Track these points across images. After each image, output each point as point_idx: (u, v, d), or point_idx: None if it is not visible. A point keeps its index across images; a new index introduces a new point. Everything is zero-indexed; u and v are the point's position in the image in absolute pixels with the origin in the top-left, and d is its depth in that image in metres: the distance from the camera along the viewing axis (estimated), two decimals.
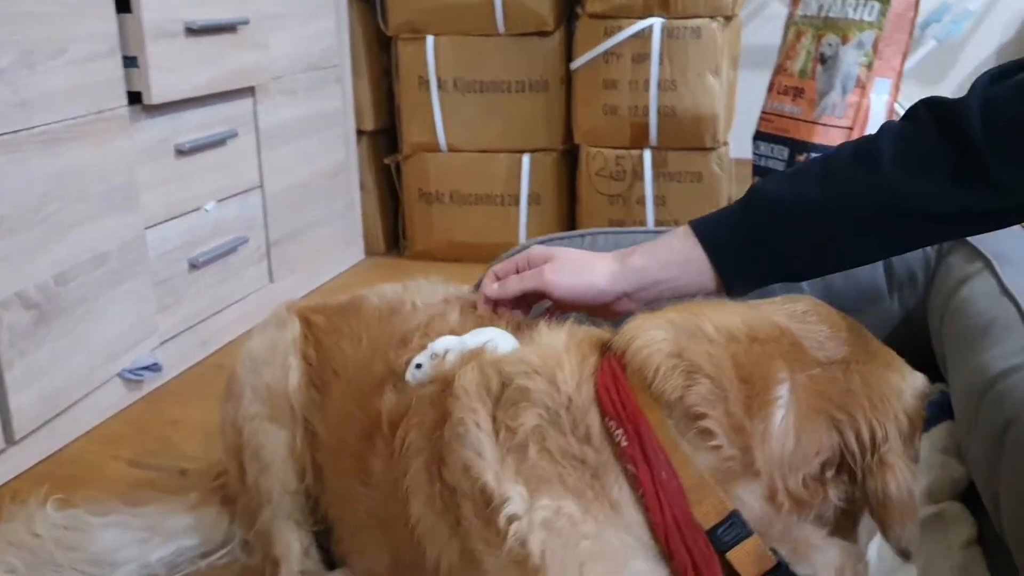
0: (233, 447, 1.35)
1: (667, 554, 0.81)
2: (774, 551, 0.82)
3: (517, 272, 1.24)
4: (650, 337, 0.88)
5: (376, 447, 1.09)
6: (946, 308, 1.50)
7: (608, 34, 2.73)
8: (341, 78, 2.88)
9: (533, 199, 2.97)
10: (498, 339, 1.06)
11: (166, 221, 2.11)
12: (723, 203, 2.80)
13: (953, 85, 3.97)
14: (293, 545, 1.29)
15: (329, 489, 1.26)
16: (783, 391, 0.84)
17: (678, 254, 1.14)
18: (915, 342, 1.60)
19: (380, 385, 1.14)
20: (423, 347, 1.12)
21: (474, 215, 3.02)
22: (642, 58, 2.72)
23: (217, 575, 1.43)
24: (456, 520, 0.89)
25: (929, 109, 1.07)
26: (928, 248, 1.58)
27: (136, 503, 1.51)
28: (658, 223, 2.81)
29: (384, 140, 3.15)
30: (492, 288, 1.23)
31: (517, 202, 2.98)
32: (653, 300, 1.13)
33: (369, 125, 3.06)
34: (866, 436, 0.83)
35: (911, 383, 0.89)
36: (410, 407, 1.04)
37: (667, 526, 0.81)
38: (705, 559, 0.80)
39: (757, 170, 3.18)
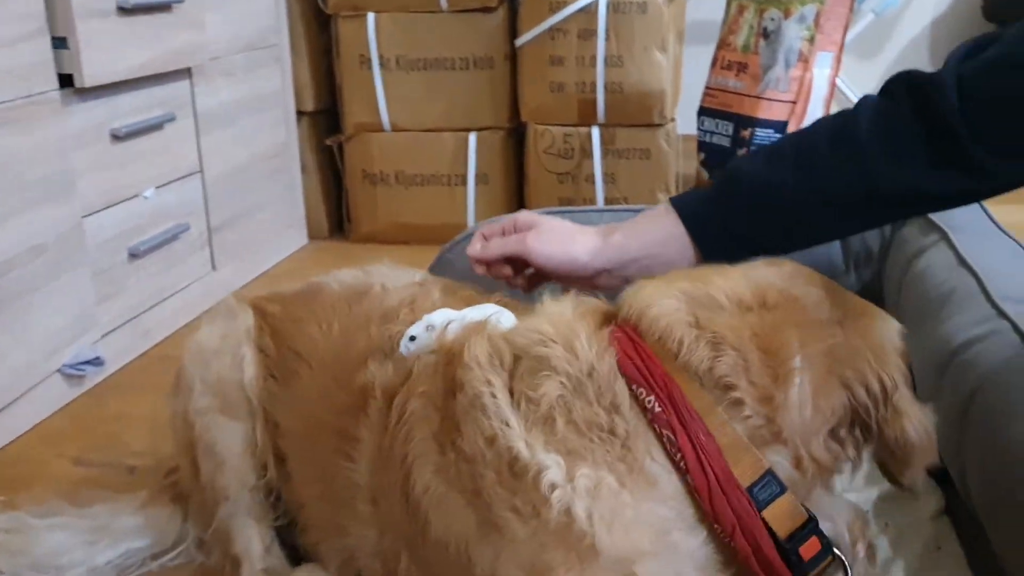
0: (184, 443, 1.30)
1: (711, 517, 0.80)
2: (804, 507, 0.83)
3: (503, 235, 1.25)
4: (666, 306, 0.87)
5: (364, 419, 1.05)
6: (903, 280, 1.51)
7: (553, 10, 2.69)
8: (280, 58, 2.81)
9: (481, 179, 2.93)
10: (500, 315, 1.03)
11: (104, 209, 2.03)
12: (671, 180, 2.80)
13: (890, 59, 4.02)
14: (254, 542, 1.25)
15: (297, 476, 1.21)
16: (799, 360, 0.84)
17: (660, 232, 1.15)
18: None
19: (363, 361, 1.10)
20: (412, 321, 1.09)
21: (420, 196, 2.98)
22: (588, 34, 2.69)
23: None
24: (475, 490, 0.86)
25: (906, 87, 1.06)
26: None
27: (82, 503, 1.45)
28: (608, 201, 2.80)
29: (325, 120, 3.08)
30: (475, 247, 1.25)
31: (464, 182, 2.94)
32: (633, 276, 1.09)
33: (309, 105, 2.99)
34: (876, 389, 0.85)
35: (897, 328, 0.91)
36: (408, 377, 1.01)
37: (711, 487, 0.80)
38: (750, 517, 0.80)
39: (702, 146, 3.19)
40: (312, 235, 3.11)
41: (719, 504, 0.80)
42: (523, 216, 1.25)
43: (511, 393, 0.87)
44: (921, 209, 1.19)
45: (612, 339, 0.87)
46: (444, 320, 1.04)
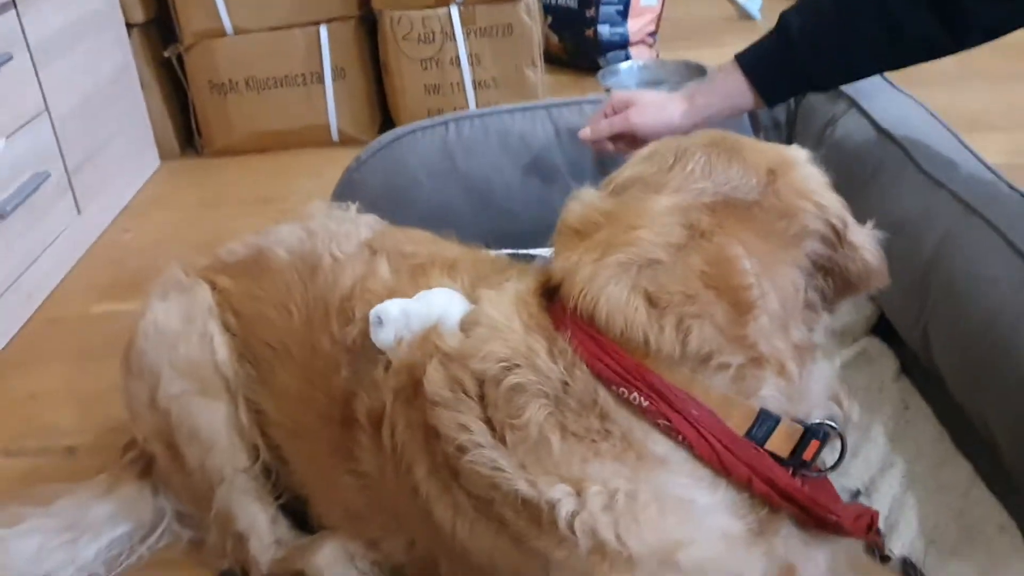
0: (157, 430, 1.24)
1: (726, 474, 0.84)
2: (799, 421, 0.87)
3: (606, 117, 1.50)
4: (616, 298, 0.85)
5: (358, 440, 1.04)
6: (818, 150, 1.58)
7: None
8: None
9: (337, 74, 2.81)
10: (447, 305, 1.01)
11: None
12: (537, 54, 2.76)
13: None
14: (258, 518, 1.22)
15: (298, 471, 1.20)
16: (750, 275, 0.84)
17: (732, 86, 1.40)
18: None
19: (334, 365, 1.09)
20: (366, 317, 1.07)
21: (275, 100, 2.82)
22: None
23: (165, 558, 1.34)
24: (500, 522, 0.87)
25: None
26: None
27: (42, 501, 1.36)
28: (477, 83, 2.74)
29: (158, 31, 2.84)
30: (586, 131, 1.53)
31: (321, 79, 2.80)
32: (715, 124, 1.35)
33: (139, 16, 2.73)
34: (830, 235, 0.87)
35: (811, 161, 0.93)
36: (384, 402, 0.99)
37: (717, 451, 0.83)
38: (758, 461, 0.84)
39: (549, 9, 3.16)
40: (163, 155, 2.91)
41: (729, 462, 0.83)
42: (617, 96, 1.52)
43: (490, 426, 0.86)
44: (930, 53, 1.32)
45: (577, 346, 0.86)
46: (399, 313, 1.03)
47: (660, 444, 0.84)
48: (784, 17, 1.36)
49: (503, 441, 0.85)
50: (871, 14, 1.27)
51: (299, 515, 1.26)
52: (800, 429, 0.87)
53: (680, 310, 0.83)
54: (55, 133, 2.20)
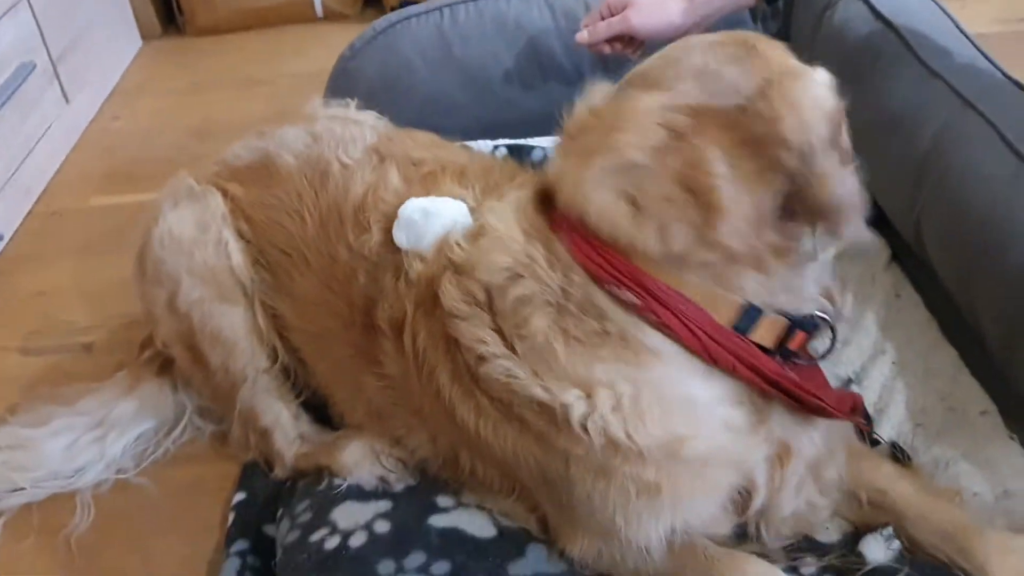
0: (178, 333, 1.28)
1: (714, 363, 0.90)
2: (784, 313, 0.91)
3: (603, 19, 1.48)
4: (603, 203, 0.88)
5: (381, 346, 1.09)
6: (815, 36, 1.58)
7: None
8: None
9: None
10: (458, 216, 1.06)
11: None
12: None
13: None
14: (282, 414, 1.28)
15: (319, 373, 1.26)
16: (720, 178, 0.86)
17: None
18: None
19: (352, 273, 1.13)
20: (384, 226, 1.11)
21: None
22: None
23: (191, 452, 1.41)
24: (521, 422, 0.94)
25: None
26: None
27: (68, 402, 1.42)
28: None
29: None
30: (584, 36, 1.49)
31: None
32: (713, 25, 1.39)
33: None
34: (794, 159, 0.85)
35: (821, 82, 0.89)
36: (405, 311, 1.04)
37: (704, 343, 0.89)
38: (744, 349, 0.90)
39: None
40: (145, 35, 2.85)
41: (715, 351, 0.89)
42: None
43: (501, 335, 0.92)
44: None
45: (572, 249, 0.90)
46: (419, 212, 1.08)
47: (653, 338, 0.89)
48: None
49: (513, 350, 0.91)
50: None
51: (320, 412, 1.32)
52: (785, 321, 0.91)
53: (660, 212, 0.87)
54: (36, 21, 2.15)
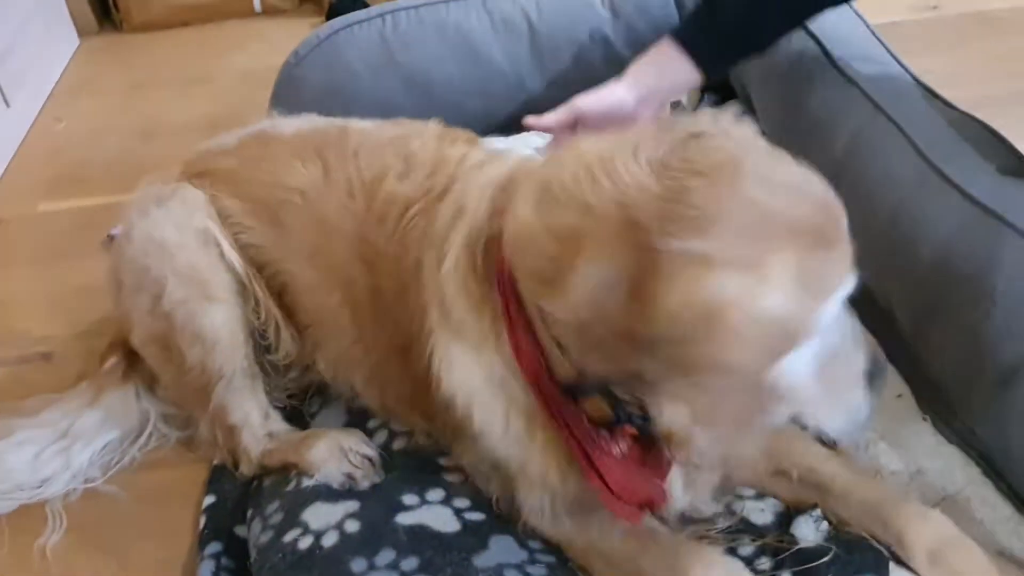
0: (157, 334, 1.31)
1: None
2: None
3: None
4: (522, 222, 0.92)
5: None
6: None
7: None
8: None
9: None
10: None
11: None
12: None
13: None
14: (252, 413, 1.32)
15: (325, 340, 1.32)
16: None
17: (672, 62, 1.32)
18: None
19: (383, 175, 1.21)
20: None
21: None
22: None
23: (158, 458, 1.45)
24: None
25: None
26: None
27: (30, 413, 1.44)
28: None
29: None
30: (529, 120, 1.38)
31: None
32: (662, 103, 1.36)
33: None
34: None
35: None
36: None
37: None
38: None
39: None
40: (81, 32, 2.84)
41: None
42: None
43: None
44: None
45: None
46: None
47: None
48: None
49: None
50: None
51: (290, 412, 1.39)
52: None
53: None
54: None
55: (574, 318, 0.83)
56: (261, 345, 1.33)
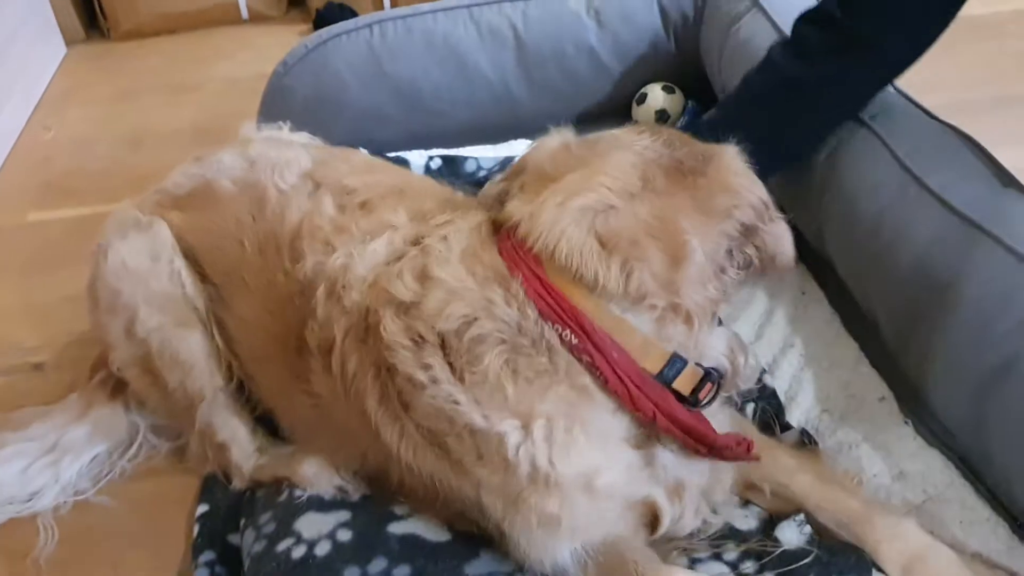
0: (136, 358, 1.34)
1: (632, 409, 0.99)
2: (699, 365, 1.03)
3: None
4: (574, 240, 0.97)
5: (310, 366, 1.16)
6: (723, 47, 1.69)
7: None
8: None
9: None
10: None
11: None
12: None
13: None
14: (239, 429, 1.34)
15: (263, 388, 1.33)
16: (688, 232, 0.98)
17: None
18: (690, 72, 1.81)
19: (288, 297, 1.20)
20: (318, 258, 1.17)
21: None
22: None
23: (150, 467, 1.46)
24: (442, 448, 1.03)
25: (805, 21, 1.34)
26: None
27: (19, 426, 1.45)
28: None
29: None
30: None
31: None
32: None
33: None
34: (759, 205, 1.03)
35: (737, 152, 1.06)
36: (333, 338, 1.10)
37: (630, 391, 0.98)
38: (663, 399, 1.00)
39: None
40: (69, 40, 2.84)
41: (639, 400, 0.98)
42: None
43: (451, 367, 0.99)
44: (843, 104, 1.37)
45: (526, 288, 0.98)
46: None
47: (586, 377, 0.99)
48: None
49: (462, 380, 0.99)
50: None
51: (273, 425, 1.38)
52: (701, 372, 1.03)
53: (626, 254, 0.97)
54: None
55: None
56: None
